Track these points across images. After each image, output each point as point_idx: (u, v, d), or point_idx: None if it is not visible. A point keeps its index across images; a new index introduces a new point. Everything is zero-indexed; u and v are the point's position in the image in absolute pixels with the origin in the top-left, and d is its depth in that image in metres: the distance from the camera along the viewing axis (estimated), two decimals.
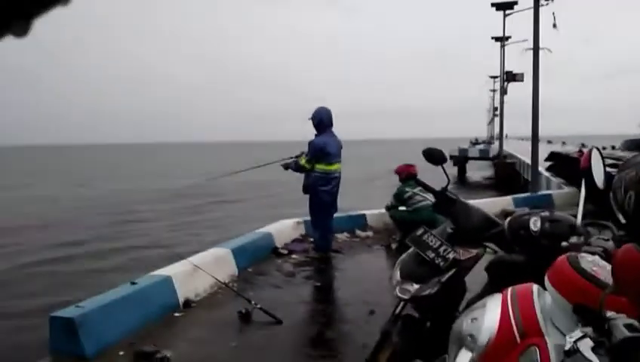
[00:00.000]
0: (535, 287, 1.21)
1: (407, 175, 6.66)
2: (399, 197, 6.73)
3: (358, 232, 7.63)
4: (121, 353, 3.60)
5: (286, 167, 6.21)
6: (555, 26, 12.77)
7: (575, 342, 0.98)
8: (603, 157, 2.07)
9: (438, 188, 2.65)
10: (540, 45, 11.59)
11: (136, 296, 4.09)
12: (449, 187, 2.63)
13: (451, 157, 27.58)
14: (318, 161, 5.92)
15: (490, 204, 8.74)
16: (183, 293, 4.56)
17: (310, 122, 6.09)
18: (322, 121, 6.04)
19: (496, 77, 33.29)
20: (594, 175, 1.99)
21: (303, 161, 5.96)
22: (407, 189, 6.58)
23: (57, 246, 12.39)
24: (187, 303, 4.54)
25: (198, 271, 4.75)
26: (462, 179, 30.41)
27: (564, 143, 32.87)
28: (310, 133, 6.12)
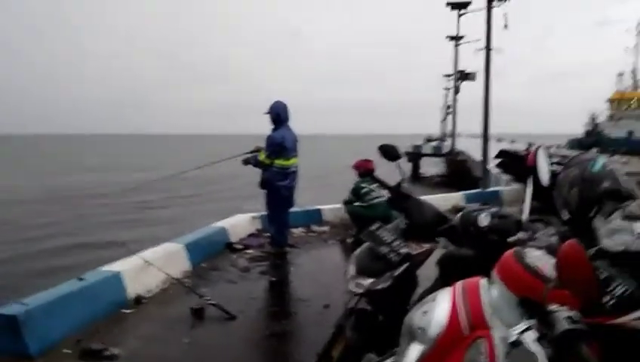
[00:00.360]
0: (483, 281, 1.24)
1: (364, 170, 6.72)
2: (356, 193, 6.76)
3: (314, 227, 7.66)
4: (67, 351, 3.47)
5: (246, 162, 6.13)
6: (506, 26, 13.17)
7: (519, 334, 1.01)
8: (549, 156, 2.15)
9: (392, 183, 2.69)
10: (492, 45, 11.94)
11: (84, 292, 3.95)
12: (403, 183, 2.68)
13: (406, 153, 28.06)
14: (277, 156, 5.90)
15: (443, 200, 8.96)
16: (133, 289, 4.44)
17: (267, 116, 6.04)
18: (279, 115, 6.01)
19: (450, 75, 34.05)
20: (539, 173, 2.07)
21: (262, 157, 5.91)
22: (363, 185, 6.63)
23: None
24: (138, 299, 4.43)
25: (150, 267, 4.64)
26: (416, 175, 31.00)
27: (513, 141, 34.07)
28: (267, 127, 6.08)
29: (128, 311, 4.25)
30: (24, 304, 3.49)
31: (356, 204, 6.84)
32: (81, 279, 4.07)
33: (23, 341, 3.35)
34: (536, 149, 2.10)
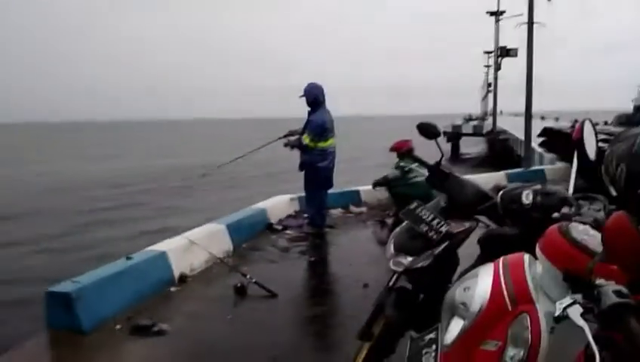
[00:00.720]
0: (526, 256, 1.23)
1: (404, 150, 6.63)
2: (398, 171, 6.70)
3: (352, 208, 7.67)
4: (118, 326, 3.64)
5: (288, 145, 6.17)
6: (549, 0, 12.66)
7: (565, 308, 1.00)
8: (595, 130, 2.08)
9: (432, 162, 2.67)
10: (535, 20, 11.50)
11: (132, 270, 4.12)
12: (442, 161, 2.65)
13: (445, 133, 27.52)
14: (319, 139, 5.93)
15: (484, 180, 8.78)
16: (178, 268, 4.59)
17: (303, 100, 6.05)
18: (318, 97, 6.01)
19: (490, 52, 33.10)
20: (586, 147, 2.00)
21: (307, 140, 5.92)
22: (403, 164, 6.56)
23: None
24: (182, 278, 4.58)
25: (194, 246, 4.78)
26: (455, 156, 30.48)
27: (557, 119, 32.94)
28: (301, 109, 6.09)
29: (174, 289, 4.41)
30: (76, 282, 3.67)
31: (395, 182, 6.78)
32: (129, 258, 4.24)
33: (77, 317, 3.53)
34: (582, 122, 2.03)
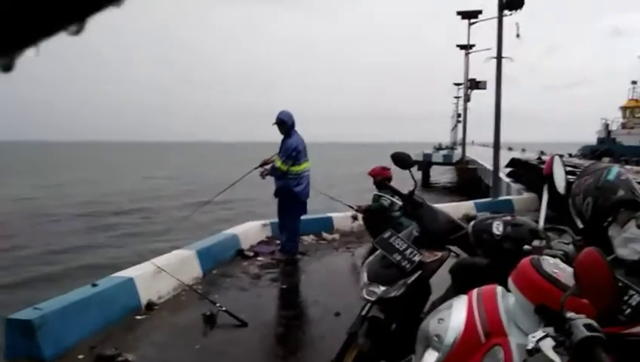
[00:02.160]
0: (499, 289, 1.25)
1: (381, 179, 6.67)
2: (379, 205, 6.72)
3: (325, 235, 7.66)
4: (81, 356, 3.50)
5: (264, 175, 6.16)
6: (518, 35, 13.16)
7: (537, 341, 1.02)
8: (564, 165, 2.16)
9: (405, 191, 2.71)
10: (503, 54, 11.90)
11: (97, 297, 3.99)
12: (416, 191, 2.69)
13: (416, 161, 27.85)
14: (292, 163, 5.95)
15: (453, 209, 8.90)
16: (145, 295, 4.47)
17: (276, 126, 6.07)
18: (288, 123, 6.07)
19: (460, 84, 33.99)
20: (555, 181, 2.07)
21: (279, 163, 5.95)
22: (383, 197, 6.53)
23: None
24: (150, 306, 4.46)
25: (162, 273, 4.67)
26: (426, 184, 30.89)
27: (523, 150, 33.81)
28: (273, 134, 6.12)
29: (141, 317, 4.28)
30: (39, 309, 3.53)
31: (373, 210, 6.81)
32: (94, 285, 4.11)
33: (38, 345, 3.39)
34: (552, 157, 2.10)
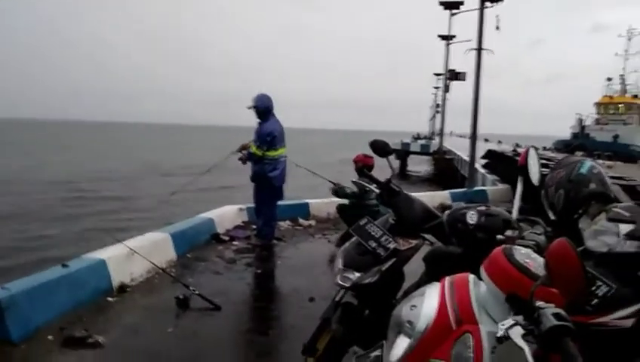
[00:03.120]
0: (471, 277, 1.26)
1: (362, 166, 6.70)
2: (361, 189, 6.76)
3: (301, 221, 7.67)
4: (50, 337, 3.44)
5: (243, 160, 6.14)
6: (498, 28, 13.24)
7: (507, 329, 1.03)
8: (539, 157, 2.18)
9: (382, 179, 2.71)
10: (484, 46, 12.00)
11: (67, 278, 3.92)
12: (393, 179, 2.70)
13: (394, 150, 28.02)
14: (268, 148, 5.92)
15: (429, 198, 9.01)
16: (118, 277, 4.41)
17: (252, 109, 6.02)
18: (268, 108, 6.02)
19: (440, 74, 34.19)
20: (530, 172, 2.10)
21: (254, 149, 5.92)
22: (367, 185, 6.55)
23: None
24: (122, 288, 4.40)
25: (134, 256, 4.61)
26: (403, 173, 31.16)
27: (500, 142, 34.34)
28: (253, 119, 6.08)
29: (112, 299, 4.23)
30: (6, 289, 3.46)
31: (346, 203, 6.91)
32: (65, 266, 4.03)
33: (5, 327, 3.32)
34: (528, 149, 2.13)
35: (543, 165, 2.23)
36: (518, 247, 1.23)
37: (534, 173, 2.12)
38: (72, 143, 53.12)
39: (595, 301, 1.79)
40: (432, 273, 2.22)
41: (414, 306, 1.27)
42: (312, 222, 7.70)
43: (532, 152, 2.12)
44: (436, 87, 39.91)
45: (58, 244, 10.97)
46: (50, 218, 14.41)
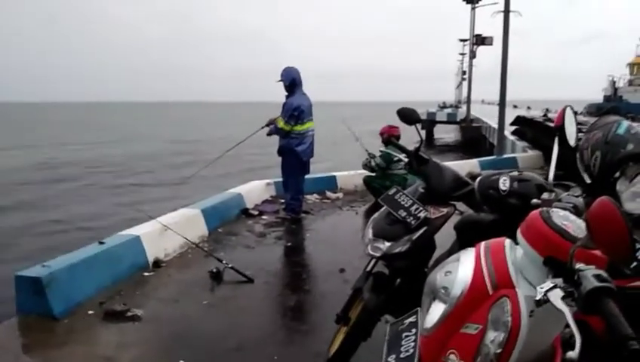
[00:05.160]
0: (507, 241, 1.25)
1: (388, 136, 6.69)
2: (387, 159, 6.79)
3: (329, 194, 7.69)
4: (91, 312, 3.58)
5: (269, 133, 6.18)
6: None
7: (546, 292, 1.02)
8: (576, 117, 2.12)
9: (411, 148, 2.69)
10: (511, 8, 11.60)
11: (105, 255, 4.04)
12: (422, 147, 2.67)
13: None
14: (295, 122, 5.92)
15: (457, 167, 8.80)
16: (152, 253, 4.53)
17: (281, 84, 6.03)
18: (294, 81, 6.00)
19: (465, 40, 33.30)
20: (566, 133, 2.04)
21: (281, 124, 5.93)
22: (390, 152, 6.64)
23: None
24: (157, 263, 4.52)
25: (168, 231, 4.71)
26: (429, 142, 30.78)
27: (529, 108, 33.46)
28: (281, 94, 6.07)
29: (148, 274, 4.35)
30: (47, 266, 3.59)
31: (373, 175, 6.94)
32: (101, 243, 4.16)
33: (48, 302, 3.45)
34: (564, 109, 2.06)
35: (577, 130, 2.16)
36: (556, 210, 1.20)
37: (571, 133, 2.05)
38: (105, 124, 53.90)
39: (634, 264, 1.75)
40: (464, 241, 2.20)
41: (449, 272, 1.26)
42: (340, 195, 7.72)
43: (569, 112, 2.05)
44: (462, 54, 38.89)
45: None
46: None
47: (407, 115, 2.55)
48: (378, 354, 1.42)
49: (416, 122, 2.58)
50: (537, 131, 13.33)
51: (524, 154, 12.18)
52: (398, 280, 2.62)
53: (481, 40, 23.03)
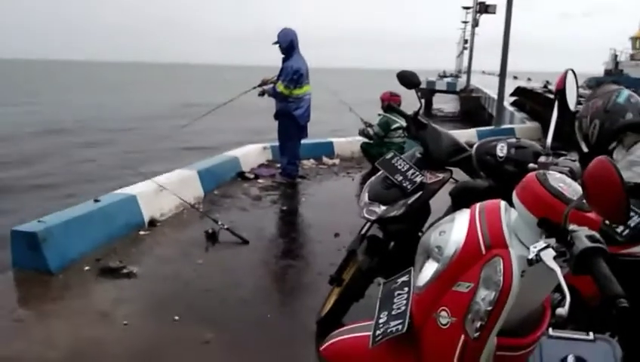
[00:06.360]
0: (502, 203, 1.25)
1: (389, 104, 6.66)
2: (385, 127, 6.76)
3: (325, 159, 7.68)
4: (87, 268, 3.61)
5: (262, 93, 6.09)
6: None
7: (538, 251, 1.03)
8: (577, 81, 2.10)
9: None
10: None
11: (100, 213, 4.05)
12: (421, 111, 2.66)
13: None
14: (294, 86, 5.84)
15: (455, 136, 8.86)
16: (148, 212, 4.54)
17: (276, 46, 5.91)
18: (292, 43, 5.89)
19: (468, 8, 32.71)
20: (567, 96, 2.03)
21: (281, 88, 5.84)
22: (395, 119, 6.61)
23: None
24: (152, 222, 4.54)
25: (164, 191, 4.72)
26: (428, 112, 30.59)
27: (529, 80, 33.16)
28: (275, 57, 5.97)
29: (144, 232, 4.38)
30: (43, 221, 3.60)
31: (370, 142, 6.92)
32: (97, 200, 4.16)
33: (43, 257, 3.48)
34: (566, 72, 2.04)
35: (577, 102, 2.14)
36: (552, 172, 1.20)
37: (572, 97, 2.04)
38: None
39: (627, 231, 1.77)
40: (459, 207, 2.21)
41: (443, 232, 1.27)
42: (336, 161, 7.71)
43: (570, 75, 2.04)
44: (464, 22, 38.27)
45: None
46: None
47: (408, 79, 2.53)
48: (369, 314, 1.44)
49: (416, 86, 2.56)
50: (536, 103, 13.27)
51: (522, 125, 12.15)
52: (392, 243, 2.65)
53: (484, 7, 22.60)
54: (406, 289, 1.40)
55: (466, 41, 35.50)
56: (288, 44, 5.86)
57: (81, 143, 15.55)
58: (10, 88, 41.47)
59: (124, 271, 3.57)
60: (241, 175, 6.42)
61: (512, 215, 1.21)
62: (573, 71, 2.07)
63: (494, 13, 20.97)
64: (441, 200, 2.55)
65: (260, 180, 6.35)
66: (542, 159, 1.84)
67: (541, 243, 1.04)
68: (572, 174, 1.53)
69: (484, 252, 1.16)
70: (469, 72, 28.99)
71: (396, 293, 1.42)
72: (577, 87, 2.08)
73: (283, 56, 5.93)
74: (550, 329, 1.34)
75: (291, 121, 6.00)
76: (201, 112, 7.06)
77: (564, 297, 0.96)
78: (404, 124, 5.68)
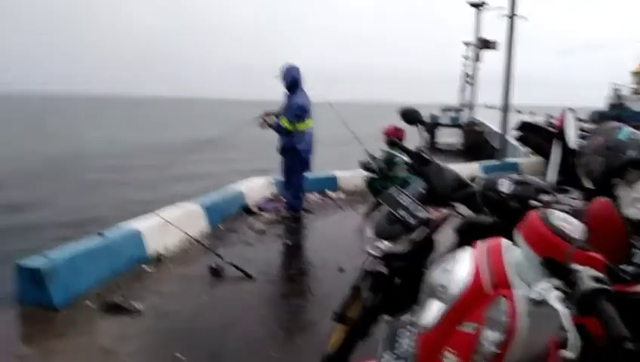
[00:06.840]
0: (504, 241, 1.25)
1: (392, 139, 6.68)
2: (389, 162, 6.78)
3: (329, 193, 7.70)
4: (91, 304, 3.60)
5: (264, 126, 6.11)
6: None
7: (543, 292, 1.03)
8: (576, 120, 2.13)
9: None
10: (517, 13, 11.59)
11: (105, 247, 4.06)
12: (424, 147, 2.68)
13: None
14: (298, 121, 5.90)
15: (459, 170, 8.87)
16: (153, 247, 4.55)
17: (279, 80, 6.00)
18: (295, 78, 5.97)
19: (469, 43, 33.25)
20: (567, 135, 2.05)
21: (286, 123, 5.88)
22: (392, 155, 6.63)
23: None
24: (158, 257, 4.54)
25: (169, 226, 4.72)
26: (432, 145, 30.72)
27: (532, 113, 33.37)
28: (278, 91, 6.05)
29: (148, 267, 4.36)
30: (47, 257, 3.61)
31: (374, 176, 6.92)
32: (101, 234, 4.17)
33: (48, 293, 3.47)
34: (564, 111, 2.07)
35: (580, 136, 2.17)
36: (554, 211, 1.21)
37: (571, 135, 2.06)
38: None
39: (632, 268, 1.76)
40: (464, 243, 2.21)
41: (448, 270, 1.26)
42: (341, 195, 7.73)
43: (569, 114, 2.07)
44: (466, 57, 38.81)
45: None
46: None
47: (410, 115, 2.56)
48: (375, 351, 1.43)
49: (418, 122, 2.59)
50: (541, 138, 13.32)
51: (526, 159, 12.18)
52: (397, 280, 2.63)
53: (485, 43, 23.02)
54: (410, 328, 1.39)
55: (467, 75, 35.91)
56: (291, 81, 5.95)
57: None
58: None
59: (128, 307, 3.55)
60: (246, 208, 6.43)
61: (515, 253, 1.21)
62: (572, 109, 2.10)
63: (495, 48, 21.32)
64: (445, 237, 2.55)
65: (264, 214, 6.36)
66: (544, 197, 1.84)
67: (545, 284, 1.04)
68: (574, 213, 1.54)
69: (488, 291, 1.16)
70: (471, 106, 29.24)
71: (400, 332, 1.41)
72: (577, 126, 2.11)
73: (286, 91, 6.02)
74: None
75: (296, 155, 6.04)
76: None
77: (568, 339, 0.96)
78: (407, 159, 5.65)
